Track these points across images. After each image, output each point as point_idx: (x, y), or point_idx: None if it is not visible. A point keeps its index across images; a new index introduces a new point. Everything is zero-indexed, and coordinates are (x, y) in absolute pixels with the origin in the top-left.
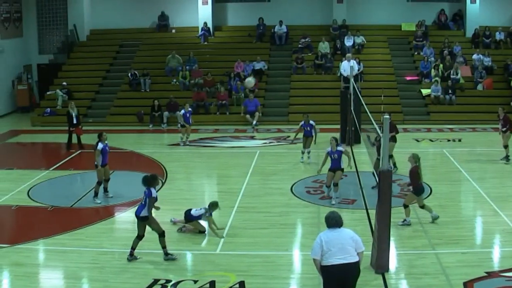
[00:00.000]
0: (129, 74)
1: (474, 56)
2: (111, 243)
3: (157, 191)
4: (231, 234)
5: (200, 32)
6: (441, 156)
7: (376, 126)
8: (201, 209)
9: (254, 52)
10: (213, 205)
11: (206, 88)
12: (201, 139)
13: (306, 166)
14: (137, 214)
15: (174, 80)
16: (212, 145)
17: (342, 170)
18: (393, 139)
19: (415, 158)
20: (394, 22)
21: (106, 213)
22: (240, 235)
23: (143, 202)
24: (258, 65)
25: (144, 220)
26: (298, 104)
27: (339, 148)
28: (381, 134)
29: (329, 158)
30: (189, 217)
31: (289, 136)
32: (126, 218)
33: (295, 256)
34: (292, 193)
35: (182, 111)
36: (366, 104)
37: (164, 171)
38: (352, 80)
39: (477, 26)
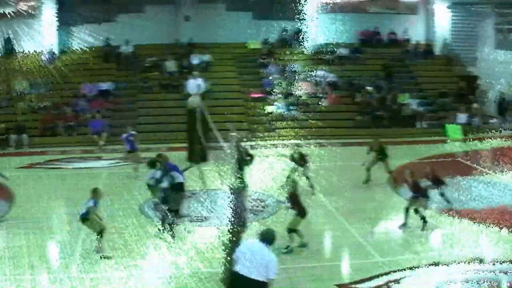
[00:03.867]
0: None
1: (318, 72)
2: None
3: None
4: (84, 256)
5: (46, 55)
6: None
7: (224, 144)
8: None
9: (100, 72)
10: (93, 192)
11: (53, 110)
12: (48, 161)
13: None
14: None
15: (21, 103)
16: (59, 167)
17: None
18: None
19: (294, 183)
20: (240, 40)
21: None
22: (91, 258)
23: None
24: (105, 86)
25: None
26: (146, 123)
27: None
28: (228, 151)
29: None
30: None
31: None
32: None
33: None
34: (141, 212)
35: (124, 135)
36: (213, 122)
37: (12, 195)
38: (198, 98)
39: (320, 42)
